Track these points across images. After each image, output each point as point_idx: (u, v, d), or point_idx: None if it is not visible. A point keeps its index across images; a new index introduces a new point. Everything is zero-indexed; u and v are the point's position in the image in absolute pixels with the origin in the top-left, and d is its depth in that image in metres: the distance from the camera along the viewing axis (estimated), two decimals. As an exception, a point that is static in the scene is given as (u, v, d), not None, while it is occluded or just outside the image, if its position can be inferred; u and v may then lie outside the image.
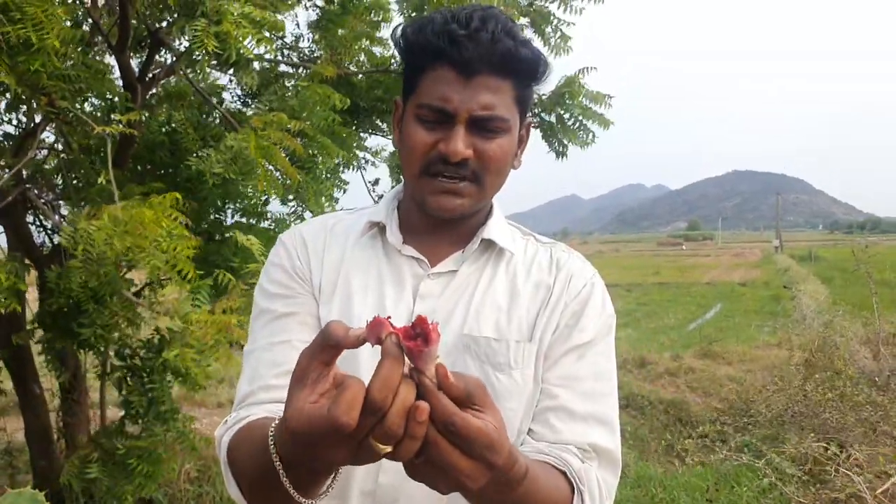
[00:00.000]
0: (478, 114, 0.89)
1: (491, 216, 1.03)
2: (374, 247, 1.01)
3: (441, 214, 0.95)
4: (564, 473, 0.85)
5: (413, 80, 0.94)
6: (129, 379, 2.41)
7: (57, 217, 2.82)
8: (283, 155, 2.23)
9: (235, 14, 2.02)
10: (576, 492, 0.84)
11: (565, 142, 3.14)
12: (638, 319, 14.53)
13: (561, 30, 3.10)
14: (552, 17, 3.09)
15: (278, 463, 0.68)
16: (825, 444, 2.77)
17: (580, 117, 3.04)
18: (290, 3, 2.91)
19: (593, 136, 3.08)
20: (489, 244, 1.01)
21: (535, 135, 3.22)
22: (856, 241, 6.77)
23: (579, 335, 0.96)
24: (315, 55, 3.05)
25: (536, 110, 3.13)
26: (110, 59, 2.76)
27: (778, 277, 23.39)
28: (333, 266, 1.00)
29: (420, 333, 0.56)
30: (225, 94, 3.18)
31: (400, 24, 0.97)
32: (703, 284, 24.57)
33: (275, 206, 2.96)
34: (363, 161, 3.31)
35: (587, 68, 3.10)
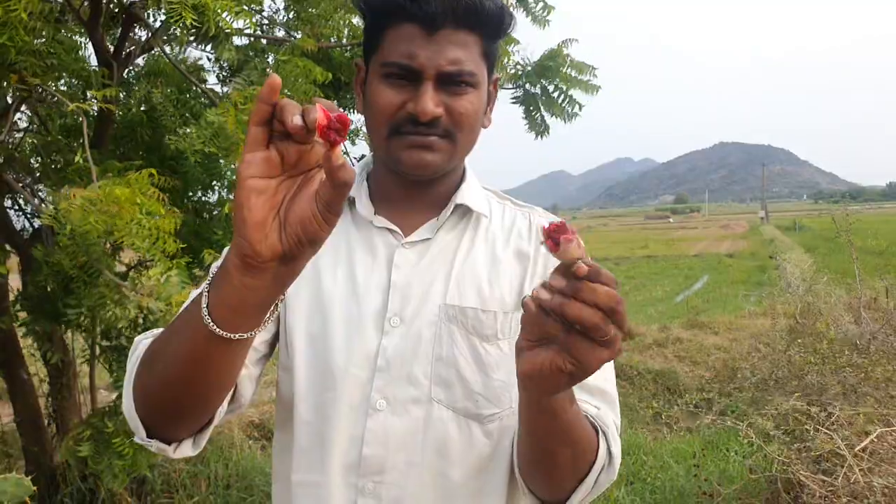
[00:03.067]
0: (446, 69, 0.87)
1: (464, 181, 1.00)
2: (343, 220, 0.98)
3: (416, 172, 0.92)
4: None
5: (375, 39, 0.91)
6: (115, 360, 2.39)
7: (36, 200, 2.77)
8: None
9: (211, -15, 1.96)
10: (600, 433, 0.85)
11: (548, 117, 3.10)
12: (626, 292, 14.66)
13: (545, 1, 3.05)
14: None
15: (206, 291, 0.69)
16: (807, 406, 2.85)
17: (564, 88, 3.00)
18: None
19: (579, 107, 3.05)
20: (465, 210, 0.99)
21: (518, 111, 3.18)
22: (839, 211, 6.86)
23: None
24: (292, 30, 2.99)
25: (521, 82, 3.09)
26: (83, 39, 2.69)
27: (764, 248, 23.64)
28: None
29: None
30: (204, 71, 3.13)
31: None
32: (690, 257, 24.81)
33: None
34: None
35: (570, 39, 3.06)
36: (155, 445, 0.81)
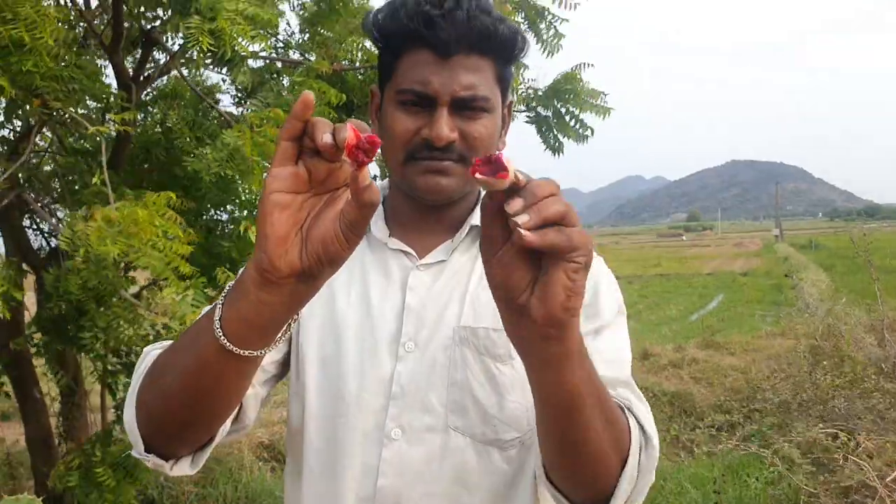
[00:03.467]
0: (460, 95, 0.87)
1: (479, 203, 1.00)
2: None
3: (431, 196, 0.92)
4: None
5: (389, 67, 0.92)
6: (121, 377, 2.39)
7: (54, 220, 2.80)
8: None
9: (230, 10, 2.00)
10: (626, 410, 0.79)
11: (561, 137, 3.11)
12: (640, 311, 14.52)
13: (555, 26, 3.07)
14: (547, 13, 3.06)
15: (219, 305, 0.67)
16: (834, 433, 2.75)
17: (577, 112, 3.02)
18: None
19: (591, 130, 3.07)
20: (479, 232, 0.98)
21: (531, 130, 3.21)
22: (856, 229, 6.75)
23: (595, 320, 0.91)
24: (307, 53, 3.03)
25: (533, 104, 3.10)
26: (104, 62, 2.73)
27: (779, 266, 23.37)
28: None
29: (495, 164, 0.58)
30: (221, 93, 3.17)
31: (371, 11, 0.95)
32: (704, 275, 24.54)
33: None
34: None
35: (584, 64, 3.08)
36: (152, 461, 0.79)
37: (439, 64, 0.87)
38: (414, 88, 0.87)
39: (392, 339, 0.91)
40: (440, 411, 0.89)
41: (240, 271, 0.97)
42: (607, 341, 0.91)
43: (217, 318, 0.67)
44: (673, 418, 5.75)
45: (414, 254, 0.96)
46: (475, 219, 0.97)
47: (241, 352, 0.67)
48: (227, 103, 3.08)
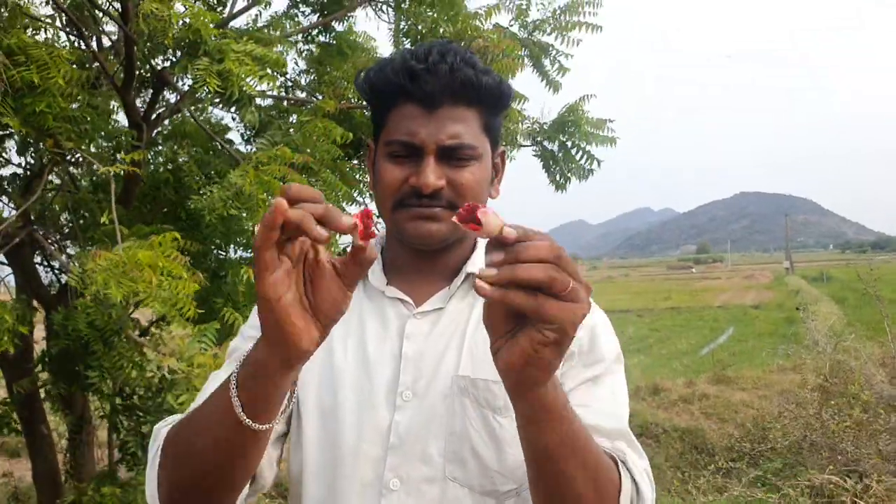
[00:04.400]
0: (446, 144, 0.89)
1: (475, 250, 1.00)
2: (356, 292, 0.97)
3: (421, 242, 0.93)
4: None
5: (380, 120, 0.95)
6: (123, 420, 2.37)
7: (64, 257, 2.83)
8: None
9: (237, 51, 2.05)
10: (619, 464, 0.79)
11: (567, 173, 3.13)
12: (650, 345, 14.36)
13: (559, 61, 3.13)
14: (551, 49, 3.12)
15: (234, 386, 0.69)
16: (844, 477, 2.67)
17: (583, 144, 3.04)
18: (290, 40, 2.96)
19: (598, 163, 3.08)
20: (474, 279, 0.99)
21: (537, 164, 3.23)
22: (868, 261, 6.70)
23: (593, 368, 0.92)
24: (314, 92, 3.09)
25: (538, 138, 3.13)
26: (115, 101, 2.80)
27: (790, 299, 23.11)
28: None
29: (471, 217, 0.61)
30: (229, 132, 3.22)
31: (362, 70, 1.00)
32: (714, 308, 24.30)
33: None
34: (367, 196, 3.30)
35: (587, 95, 3.12)
36: None
37: (426, 116, 0.89)
38: (401, 140, 0.90)
39: (389, 388, 0.91)
40: (438, 462, 0.88)
41: (241, 327, 0.99)
42: (606, 390, 0.91)
43: (235, 396, 0.69)
44: (684, 454, 5.64)
45: (411, 302, 0.96)
46: (471, 265, 0.97)
47: (262, 427, 0.70)
48: (236, 142, 3.13)
